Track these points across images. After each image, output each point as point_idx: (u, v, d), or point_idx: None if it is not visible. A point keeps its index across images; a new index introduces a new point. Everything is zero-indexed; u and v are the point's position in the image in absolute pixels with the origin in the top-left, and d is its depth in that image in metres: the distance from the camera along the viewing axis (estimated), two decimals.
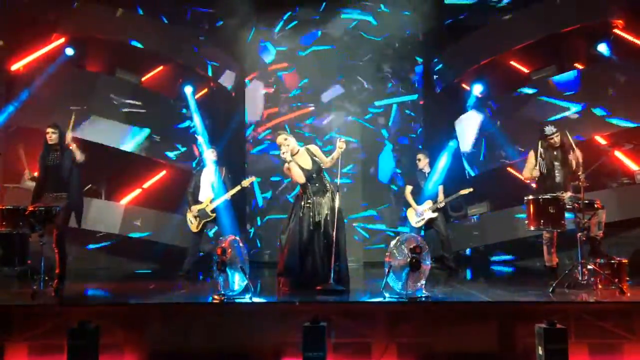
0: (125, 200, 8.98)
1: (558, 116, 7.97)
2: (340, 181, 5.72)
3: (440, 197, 7.75)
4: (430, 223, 7.81)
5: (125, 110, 8.70)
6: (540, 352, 4.12)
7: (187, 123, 9.47)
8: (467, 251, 9.24)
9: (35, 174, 6.01)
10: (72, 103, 7.85)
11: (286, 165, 5.70)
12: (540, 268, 7.29)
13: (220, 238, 5.38)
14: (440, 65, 9.85)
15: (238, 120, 9.99)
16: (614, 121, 7.83)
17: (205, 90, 10.03)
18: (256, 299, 4.97)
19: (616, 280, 5.25)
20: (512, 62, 9.21)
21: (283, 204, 9.27)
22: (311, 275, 5.61)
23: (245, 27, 9.42)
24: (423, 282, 4.93)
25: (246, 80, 9.99)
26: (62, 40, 8.82)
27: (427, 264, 4.90)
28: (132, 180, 9.19)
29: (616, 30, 8.33)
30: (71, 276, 6.30)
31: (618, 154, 8.00)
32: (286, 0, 9.69)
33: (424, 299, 4.84)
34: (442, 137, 9.34)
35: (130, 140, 8.67)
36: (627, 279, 5.38)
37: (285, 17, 9.75)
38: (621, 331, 4.46)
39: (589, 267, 5.41)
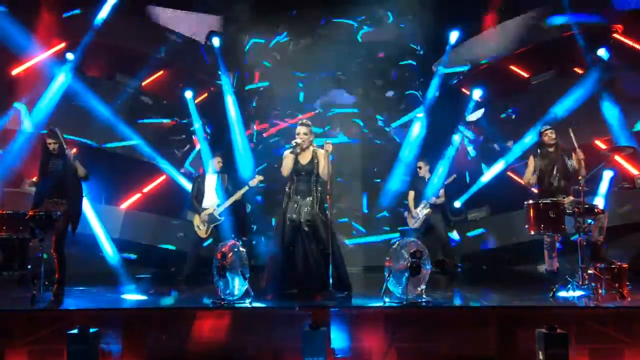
0: (125, 205, 8.98)
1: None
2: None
3: (441, 198, 7.80)
4: (430, 227, 7.82)
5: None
6: (541, 356, 4.11)
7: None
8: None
9: (34, 179, 6.02)
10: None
11: (287, 152, 5.67)
12: (540, 272, 7.28)
13: (220, 243, 5.38)
14: (439, 70, 9.85)
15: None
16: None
17: (205, 94, 10.04)
18: (256, 304, 4.96)
19: (617, 284, 5.24)
20: (511, 67, 9.23)
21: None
22: (295, 277, 5.56)
23: (245, 32, 9.44)
24: (423, 286, 4.93)
25: (246, 87, 10.00)
26: (62, 45, 8.84)
27: (427, 268, 4.89)
28: (132, 184, 9.20)
29: (615, 35, 8.36)
30: (71, 281, 6.30)
31: (618, 158, 7.99)
32: (285, 6, 9.72)
33: (424, 303, 4.83)
34: (442, 141, 9.34)
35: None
36: (628, 283, 5.37)
37: (283, 24, 9.79)
38: (622, 336, 4.45)
39: (589, 271, 5.40)
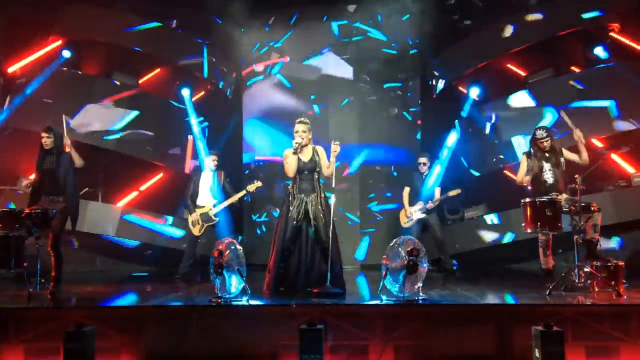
0: (121, 203, 8.96)
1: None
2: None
3: (436, 198, 7.76)
4: (426, 225, 7.81)
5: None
6: (537, 354, 4.12)
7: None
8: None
9: (32, 177, 6.01)
10: (70, 105, 7.86)
11: (288, 151, 5.66)
12: (536, 270, 7.30)
13: (217, 241, 5.38)
14: (437, 69, 9.86)
15: (236, 123, 9.98)
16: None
17: (202, 92, 10.03)
18: (253, 302, 4.96)
19: (613, 282, 5.26)
20: (508, 65, 9.24)
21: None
22: (295, 275, 5.59)
23: (241, 29, 9.41)
24: (420, 284, 4.93)
25: (247, 82, 9.99)
26: (59, 42, 8.82)
27: (424, 266, 4.90)
28: (128, 182, 9.18)
29: (612, 34, 8.37)
30: (67, 279, 6.29)
31: (615, 156, 8.02)
32: (283, 4, 9.72)
33: (421, 301, 4.84)
34: (439, 140, 9.35)
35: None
36: (624, 281, 5.39)
37: (285, 21, 9.76)
38: (618, 333, 4.46)
39: (585, 269, 5.41)
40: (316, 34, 9.69)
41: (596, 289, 5.34)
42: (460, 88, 9.65)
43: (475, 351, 4.53)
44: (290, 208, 5.62)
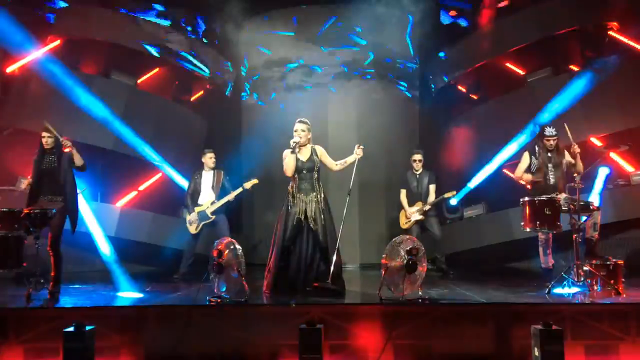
0: (121, 203, 8.95)
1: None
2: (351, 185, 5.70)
3: (431, 197, 7.73)
4: (424, 225, 7.80)
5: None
6: (537, 353, 4.13)
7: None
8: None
9: (29, 177, 6.00)
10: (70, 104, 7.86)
11: (287, 151, 5.67)
12: (536, 269, 7.30)
13: (216, 240, 5.38)
14: (435, 68, 9.86)
15: (235, 122, 9.98)
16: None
17: (201, 92, 10.02)
18: (253, 301, 4.95)
19: (612, 281, 5.27)
20: (507, 64, 9.24)
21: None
22: (295, 274, 5.60)
23: (240, 29, 9.41)
24: (419, 283, 4.93)
25: (245, 83, 9.99)
26: (57, 42, 8.80)
27: (423, 265, 4.90)
28: (127, 182, 9.17)
29: (611, 33, 8.37)
30: (67, 279, 6.28)
31: (614, 155, 8.02)
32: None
33: (420, 300, 4.84)
34: (439, 140, 9.34)
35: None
36: (623, 280, 5.40)
37: (285, 21, 9.78)
38: (617, 332, 4.48)
39: (584, 268, 5.42)
40: (316, 33, 9.69)
41: (595, 288, 5.35)
42: (459, 87, 9.66)
43: (474, 350, 4.54)
44: (290, 208, 5.63)
